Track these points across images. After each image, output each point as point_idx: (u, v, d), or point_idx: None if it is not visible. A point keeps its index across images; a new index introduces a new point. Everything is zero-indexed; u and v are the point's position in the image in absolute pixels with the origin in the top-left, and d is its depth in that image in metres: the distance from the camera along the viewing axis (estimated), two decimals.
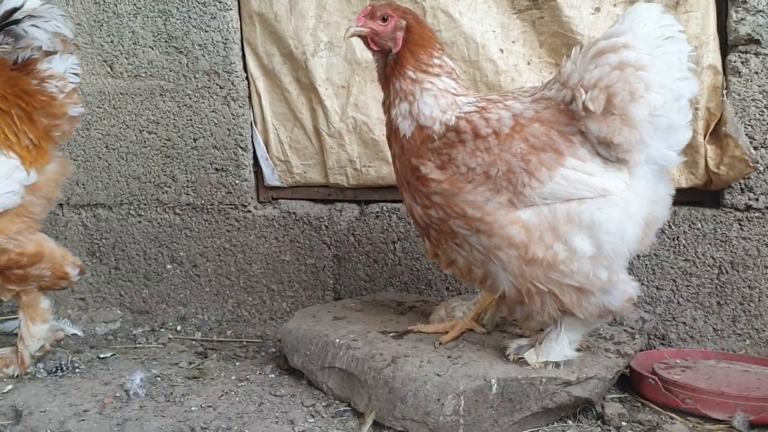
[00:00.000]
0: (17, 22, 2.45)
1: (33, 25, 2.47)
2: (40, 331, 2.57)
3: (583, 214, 1.95)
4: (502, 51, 2.83)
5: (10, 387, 2.43)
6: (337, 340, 2.37)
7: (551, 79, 2.14)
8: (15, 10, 2.44)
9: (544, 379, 2.04)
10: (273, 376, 2.59)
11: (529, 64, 2.83)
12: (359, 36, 2.21)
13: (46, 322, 2.59)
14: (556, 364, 2.10)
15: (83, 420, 2.19)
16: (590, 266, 1.97)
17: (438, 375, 2.07)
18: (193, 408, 2.28)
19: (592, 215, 1.94)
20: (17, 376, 2.52)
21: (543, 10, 2.75)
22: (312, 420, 2.19)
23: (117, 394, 2.39)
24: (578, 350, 2.14)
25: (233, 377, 2.58)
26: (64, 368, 2.62)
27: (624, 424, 2.14)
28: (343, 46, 3.01)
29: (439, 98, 2.12)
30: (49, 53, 2.52)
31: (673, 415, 2.19)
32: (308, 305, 3.20)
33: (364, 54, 2.97)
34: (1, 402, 2.32)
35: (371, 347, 2.29)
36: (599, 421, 2.17)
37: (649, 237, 2.06)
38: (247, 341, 3.12)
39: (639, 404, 2.29)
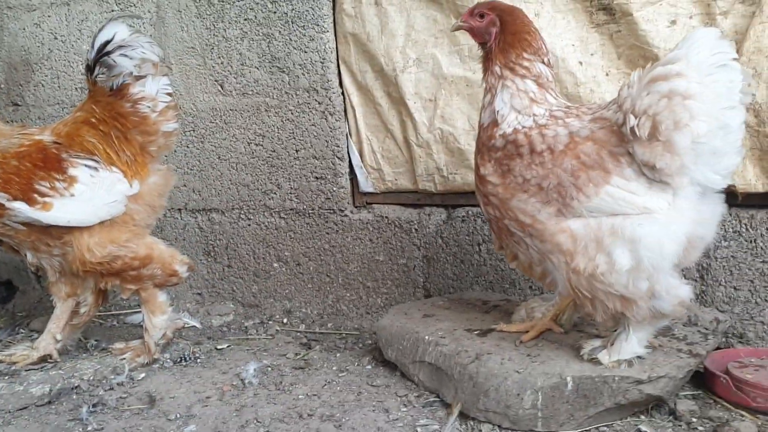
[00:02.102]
0: (109, 53, 2.77)
1: (122, 55, 2.77)
2: (161, 321, 2.93)
3: (626, 228, 2.11)
4: (581, 63, 2.98)
5: (143, 375, 2.80)
6: (427, 337, 2.62)
7: (612, 99, 2.28)
8: (107, 43, 2.77)
9: (617, 378, 2.22)
10: (369, 367, 2.87)
11: (607, 75, 2.96)
12: (463, 29, 2.46)
13: (165, 313, 2.95)
14: (629, 363, 2.27)
15: (206, 406, 2.53)
16: (628, 278, 2.12)
17: (518, 372, 2.28)
18: (300, 396, 2.59)
19: (633, 230, 2.09)
20: (147, 363, 2.90)
21: (620, 24, 2.87)
22: (405, 409, 2.45)
23: (234, 383, 2.73)
24: (649, 348, 2.31)
25: (334, 368, 2.88)
26: (188, 358, 2.99)
27: (694, 420, 2.29)
28: (430, 62, 3.23)
29: (514, 98, 2.32)
30: (139, 77, 2.84)
31: (743, 413, 2.31)
32: (400, 301, 3.48)
33: (450, 69, 3.19)
34: (137, 388, 2.69)
35: (457, 344, 2.53)
36: (671, 417, 2.32)
37: (693, 253, 2.19)
38: (346, 333, 3.43)
39: (711, 401, 2.42)
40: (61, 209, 2.66)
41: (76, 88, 3.93)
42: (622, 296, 2.17)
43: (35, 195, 2.63)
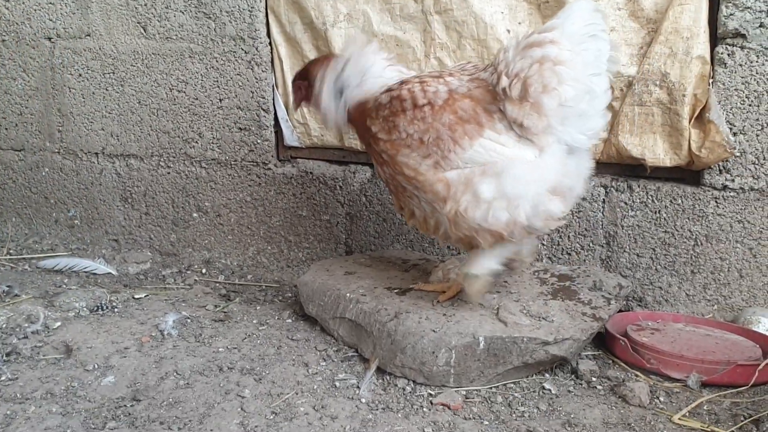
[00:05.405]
0: None
1: None
2: None
3: (495, 166, 2.27)
4: (509, 31, 3.03)
5: (58, 324, 2.75)
6: (348, 294, 2.69)
7: (490, 62, 2.41)
8: None
9: (525, 339, 2.35)
10: (290, 321, 2.92)
11: None
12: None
13: None
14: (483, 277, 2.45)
15: (125, 357, 2.52)
16: (488, 209, 2.28)
17: (434, 331, 2.38)
18: (220, 349, 2.61)
19: (501, 167, 2.26)
20: None
21: None
22: (324, 363, 2.52)
23: (153, 334, 2.72)
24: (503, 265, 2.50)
25: (255, 321, 2.91)
26: (105, 307, 2.95)
27: (594, 379, 2.46)
28: (361, 18, 3.21)
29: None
30: None
31: (638, 373, 2.50)
32: (322, 256, 3.53)
33: (381, 27, 3.19)
34: (52, 337, 2.64)
35: (377, 302, 2.60)
36: (573, 375, 2.49)
37: (563, 201, 2.33)
38: (266, 285, 3.45)
39: (610, 362, 2.60)
40: None
41: None
42: (490, 230, 2.31)
43: None
